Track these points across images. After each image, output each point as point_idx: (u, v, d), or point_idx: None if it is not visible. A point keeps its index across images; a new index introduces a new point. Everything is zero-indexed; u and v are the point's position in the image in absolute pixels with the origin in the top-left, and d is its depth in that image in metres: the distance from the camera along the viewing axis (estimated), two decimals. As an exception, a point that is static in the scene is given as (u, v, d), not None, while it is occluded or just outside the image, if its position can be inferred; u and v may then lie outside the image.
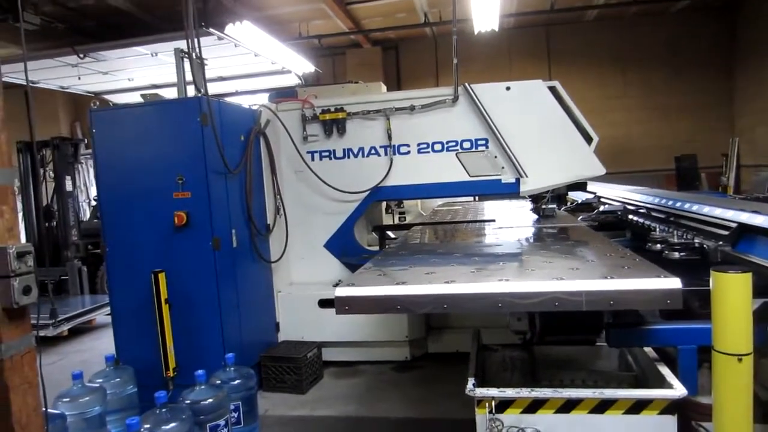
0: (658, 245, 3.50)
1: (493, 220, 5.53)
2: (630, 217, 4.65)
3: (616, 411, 2.65)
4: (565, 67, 13.90)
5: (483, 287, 2.64)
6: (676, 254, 3.35)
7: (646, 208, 4.48)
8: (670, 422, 2.60)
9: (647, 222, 4.19)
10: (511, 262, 3.31)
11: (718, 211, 3.21)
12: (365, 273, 3.18)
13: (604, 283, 2.50)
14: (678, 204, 3.84)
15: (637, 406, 2.63)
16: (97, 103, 4.86)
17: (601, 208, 5.44)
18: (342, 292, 2.72)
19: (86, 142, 9.91)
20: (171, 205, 4.53)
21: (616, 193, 5.51)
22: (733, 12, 13.43)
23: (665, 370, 2.83)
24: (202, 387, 3.78)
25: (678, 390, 2.60)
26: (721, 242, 3.04)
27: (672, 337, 2.87)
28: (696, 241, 3.31)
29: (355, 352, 5.68)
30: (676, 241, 3.46)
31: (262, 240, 5.42)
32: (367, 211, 5.97)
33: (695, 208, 3.52)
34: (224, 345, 4.61)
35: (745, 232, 2.96)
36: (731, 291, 2.08)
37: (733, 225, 2.99)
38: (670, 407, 2.59)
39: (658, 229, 3.82)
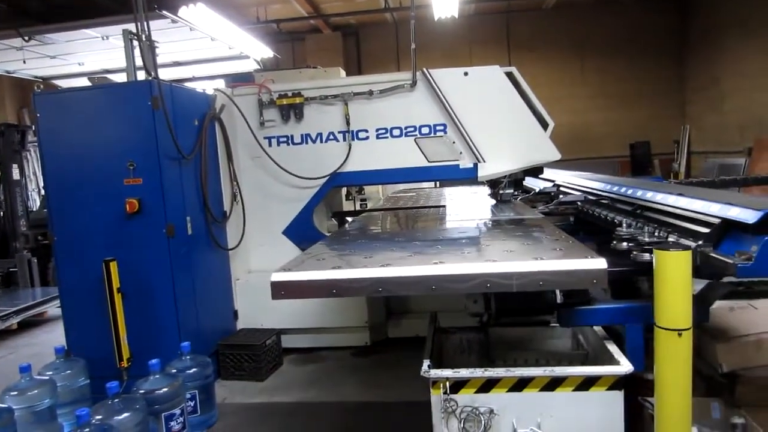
0: (625, 244, 2.98)
1: (444, 206, 5.58)
2: (592, 208, 4.14)
3: (566, 388, 2.72)
4: (524, 54, 14.07)
5: (417, 270, 2.66)
6: (647, 255, 2.71)
7: (610, 198, 4.14)
8: (617, 397, 2.68)
9: (611, 214, 3.70)
10: (449, 245, 3.35)
11: (699, 204, 2.76)
12: (304, 258, 3.17)
13: (534, 265, 2.56)
14: (649, 195, 3.40)
15: (586, 383, 2.70)
16: (41, 86, 4.69)
17: (561, 197, 5.27)
18: (277, 277, 2.71)
19: (34, 128, 9.56)
20: (122, 191, 4.41)
21: (575, 182, 5.42)
22: (687, 1, 13.78)
23: (613, 348, 2.92)
24: (157, 376, 3.73)
25: (624, 366, 2.68)
26: (701, 242, 2.56)
27: (619, 315, 2.95)
28: (670, 240, 2.83)
29: (315, 338, 5.67)
30: (646, 239, 2.91)
31: (219, 227, 5.33)
32: (326, 198, 5.93)
33: (671, 200, 3.08)
34: (180, 334, 4.53)
35: (730, 229, 2.51)
36: (672, 268, 2.15)
37: (716, 221, 2.56)
38: (617, 383, 2.67)
39: (624, 224, 3.25)
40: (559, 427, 2.73)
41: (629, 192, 3.77)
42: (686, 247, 2.17)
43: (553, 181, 6.12)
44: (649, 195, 3.40)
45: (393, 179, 5.89)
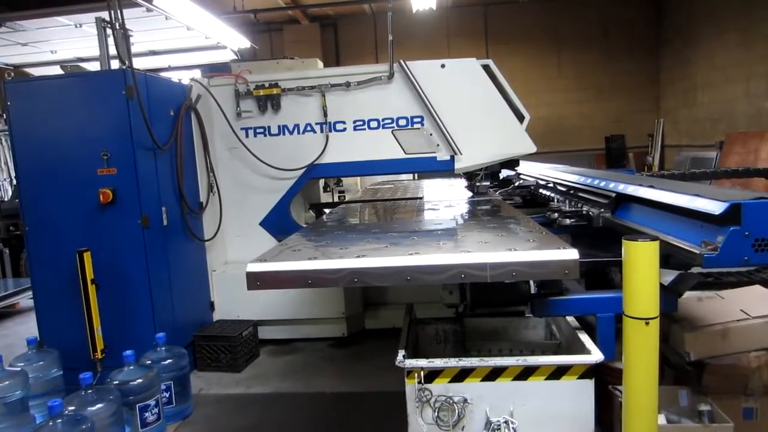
0: (555, 214, 3.90)
1: (421, 198, 5.61)
2: (540, 191, 5.11)
3: (539, 377, 2.76)
4: (502, 47, 14.13)
5: (392, 261, 2.66)
6: (567, 221, 3.76)
7: (553, 182, 4.88)
8: (588, 386, 2.73)
9: (552, 194, 4.66)
10: (425, 237, 3.37)
11: (602, 183, 3.71)
12: (280, 249, 3.17)
13: (507, 255, 2.58)
14: (575, 178, 4.33)
15: (558, 372, 2.74)
16: (12, 74, 4.60)
17: (516, 183, 5.74)
18: (253, 267, 2.69)
19: (5, 117, 9.35)
20: (95, 181, 4.36)
21: (533, 170, 5.85)
22: (662, -6, 13.94)
23: (584, 337, 2.97)
24: (131, 367, 3.71)
25: (595, 355, 2.73)
26: (602, 209, 3.47)
27: (591, 306, 3.00)
28: (584, 209, 3.72)
29: (292, 329, 5.67)
30: (567, 209, 3.90)
31: (195, 218, 5.30)
32: (304, 189, 5.92)
33: (588, 181, 3.99)
34: (155, 325, 4.50)
35: (622, 200, 3.37)
36: (640, 258, 2.19)
37: (612, 195, 3.43)
38: (588, 372, 2.72)
39: (556, 200, 4.33)
40: (532, 415, 2.77)
41: (564, 177, 4.61)
42: (654, 238, 2.22)
43: (515, 170, 6.30)
44: (575, 178, 4.28)
45: (370, 171, 5.90)
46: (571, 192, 4.29)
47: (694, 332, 3.21)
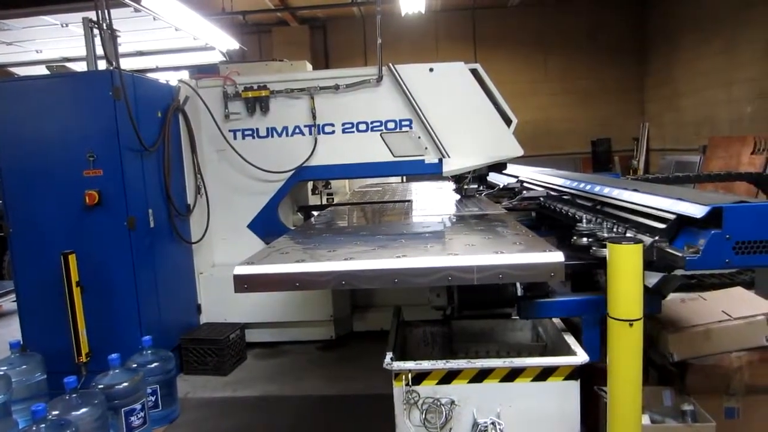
0: (585, 239, 3.01)
1: (409, 201, 5.62)
2: (554, 204, 4.16)
3: (525, 378, 2.78)
4: (490, 50, 14.20)
5: (379, 264, 2.68)
6: (605, 251, 2.56)
7: (571, 194, 4.05)
8: (574, 387, 2.76)
9: (572, 210, 3.73)
10: (413, 239, 3.39)
11: (654, 200, 2.78)
12: (268, 252, 3.17)
13: (494, 258, 2.61)
14: (606, 191, 3.42)
15: (544, 373, 2.76)
16: (-3, 74, 4.56)
17: (524, 193, 5.09)
18: (240, 270, 2.69)
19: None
20: (81, 183, 4.33)
21: (538, 178, 5.26)
22: (647, -1, 14.09)
23: (570, 339, 3.00)
24: (117, 371, 3.68)
25: (580, 357, 2.76)
26: (657, 237, 2.56)
27: (576, 307, 3.02)
28: (628, 235, 2.85)
29: (280, 332, 5.66)
30: (605, 235, 2.93)
31: (182, 220, 5.27)
32: (292, 192, 5.92)
33: (626, 195, 3.11)
34: (141, 328, 4.48)
35: (685, 225, 2.53)
36: (624, 260, 2.23)
37: (671, 217, 2.57)
38: (574, 373, 2.75)
39: (584, 220, 3.24)
40: (518, 416, 2.79)
41: (588, 188, 3.74)
42: (638, 241, 2.25)
43: (516, 177, 6.18)
44: (607, 191, 3.41)
45: (359, 174, 5.91)
46: (597, 207, 3.48)
47: (678, 333, 3.26)
